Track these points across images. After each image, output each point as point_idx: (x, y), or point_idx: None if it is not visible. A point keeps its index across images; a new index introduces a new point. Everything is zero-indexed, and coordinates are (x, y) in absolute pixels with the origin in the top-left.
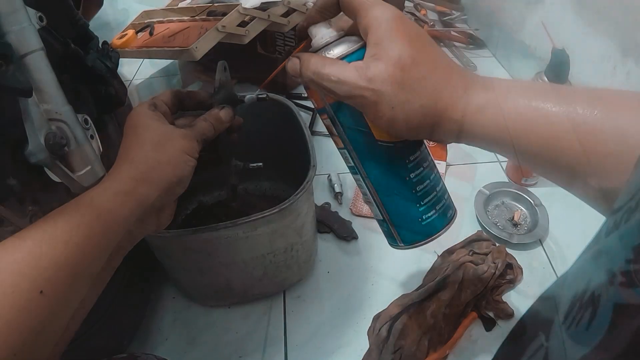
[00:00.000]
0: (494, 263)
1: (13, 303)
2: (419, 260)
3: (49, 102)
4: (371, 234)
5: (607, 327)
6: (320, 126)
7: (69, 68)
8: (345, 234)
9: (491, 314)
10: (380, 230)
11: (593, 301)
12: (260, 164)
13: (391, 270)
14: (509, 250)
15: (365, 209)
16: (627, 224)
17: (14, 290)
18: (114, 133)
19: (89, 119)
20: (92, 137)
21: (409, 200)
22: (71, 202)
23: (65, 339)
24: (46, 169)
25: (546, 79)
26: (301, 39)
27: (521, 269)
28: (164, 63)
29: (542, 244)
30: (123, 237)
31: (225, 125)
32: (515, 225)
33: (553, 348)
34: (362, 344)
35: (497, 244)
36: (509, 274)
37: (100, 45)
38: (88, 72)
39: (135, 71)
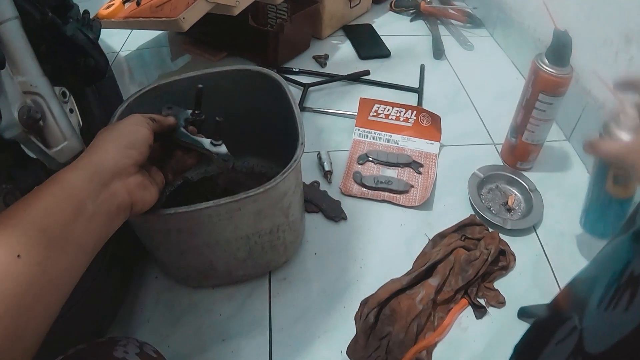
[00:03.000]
0: (487, 249)
1: None
2: (409, 243)
3: (23, 73)
4: (360, 215)
5: None
6: (311, 102)
7: (46, 38)
8: (334, 214)
9: (482, 302)
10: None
11: (632, 282)
12: (218, 119)
13: (380, 253)
14: (502, 236)
15: (356, 188)
16: None
17: None
18: (95, 106)
19: (67, 91)
20: (71, 110)
21: None
22: (44, 182)
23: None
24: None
25: (547, 61)
26: None
27: (514, 255)
28: (154, 33)
29: (535, 231)
30: (90, 200)
31: (169, 121)
32: (509, 210)
33: (588, 330)
34: (349, 329)
35: (490, 229)
36: (501, 260)
37: (81, 14)
38: (67, 42)
39: (124, 42)
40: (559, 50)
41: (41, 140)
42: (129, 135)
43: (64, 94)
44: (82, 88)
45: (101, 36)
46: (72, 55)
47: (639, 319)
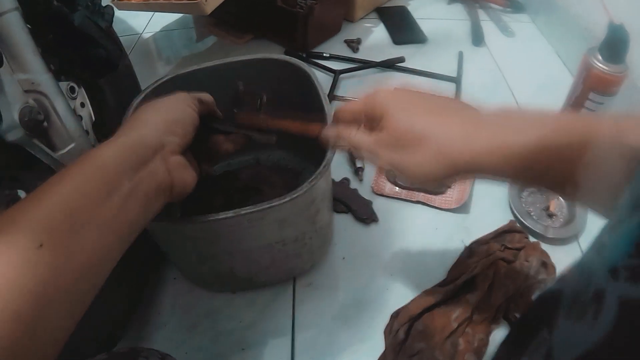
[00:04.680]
0: (527, 261)
1: (9, 259)
2: (444, 250)
3: (25, 70)
4: (393, 217)
5: (613, 322)
6: (343, 90)
7: (52, 28)
8: (365, 215)
9: (518, 316)
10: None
11: (598, 296)
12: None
13: (413, 260)
14: (542, 246)
15: (388, 188)
16: (631, 219)
17: (9, 246)
18: (111, 98)
19: (75, 86)
20: (82, 104)
21: None
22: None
23: (76, 317)
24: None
25: (600, 57)
26: None
27: (554, 267)
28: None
29: (578, 240)
30: (129, 182)
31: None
32: (551, 216)
33: (557, 342)
34: (377, 343)
35: (531, 237)
36: (541, 272)
37: (90, 0)
38: (75, 32)
39: (147, 23)
40: (615, 46)
41: (46, 143)
42: (176, 112)
43: (72, 90)
44: (95, 80)
45: (123, 17)
46: (82, 46)
47: (604, 332)
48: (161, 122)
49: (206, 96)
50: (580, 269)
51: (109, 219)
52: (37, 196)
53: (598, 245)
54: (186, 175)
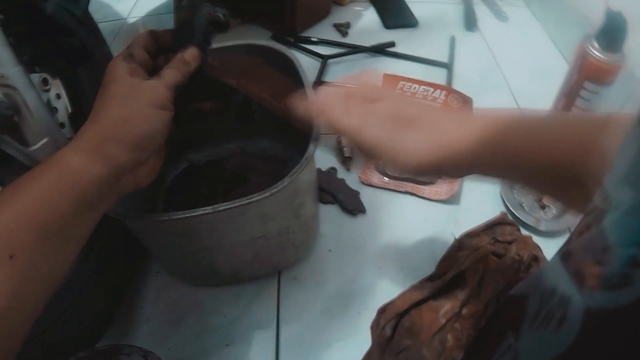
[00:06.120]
0: (519, 255)
1: None
2: (433, 243)
3: None
4: (381, 209)
5: (578, 330)
6: (331, 76)
7: (25, 17)
8: (352, 206)
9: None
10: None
11: (563, 303)
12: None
13: (401, 253)
14: (534, 239)
15: (377, 178)
16: (597, 226)
17: None
18: (89, 88)
19: (49, 78)
20: (58, 96)
21: None
22: (40, 164)
23: (37, 310)
24: None
25: (597, 45)
26: None
27: (546, 261)
28: None
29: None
30: (96, 196)
31: (194, 66)
32: (543, 207)
33: (522, 349)
34: (363, 338)
35: (522, 229)
36: (532, 266)
37: None
38: (47, 22)
39: (132, 7)
40: (612, 34)
41: (17, 138)
42: (149, 125)
43: (44, 82)
44: (73, 69)
45: (108, 2)
46: (55, 36)
47: (569, 341)
48: (135, 140)
49: (177, 77)
50: (548, 274)
51: (75, 230)
52: (9, 201)
53: (565, 251)
54: (150, 176)
